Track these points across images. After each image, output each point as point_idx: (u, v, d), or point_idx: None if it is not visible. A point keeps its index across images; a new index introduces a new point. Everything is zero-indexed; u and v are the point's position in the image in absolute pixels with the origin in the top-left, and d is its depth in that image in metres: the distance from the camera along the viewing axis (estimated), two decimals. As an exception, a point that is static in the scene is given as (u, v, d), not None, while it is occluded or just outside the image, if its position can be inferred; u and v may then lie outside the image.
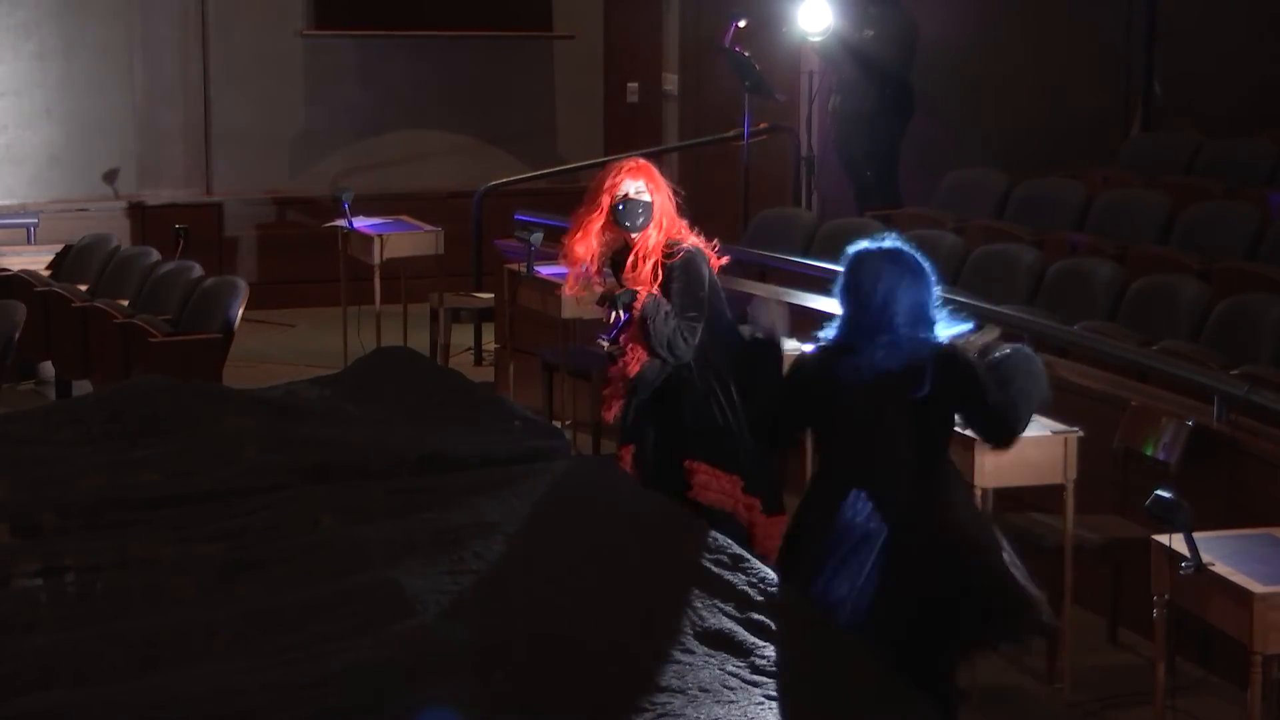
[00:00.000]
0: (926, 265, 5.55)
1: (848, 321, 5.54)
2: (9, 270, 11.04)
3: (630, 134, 13.55)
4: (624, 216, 6.77)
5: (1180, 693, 6.35)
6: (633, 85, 13.82)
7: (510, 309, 9.52)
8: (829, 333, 5.61)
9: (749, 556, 5.47)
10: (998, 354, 5.61)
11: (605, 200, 6.80)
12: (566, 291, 7.28)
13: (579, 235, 6.85)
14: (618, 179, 6.82)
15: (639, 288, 6.76)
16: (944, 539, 5.52)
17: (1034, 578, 5.62)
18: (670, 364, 6.75)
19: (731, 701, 4.74)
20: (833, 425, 5.59)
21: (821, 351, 5.61)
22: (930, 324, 5.51)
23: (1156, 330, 8.23)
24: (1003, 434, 5.67)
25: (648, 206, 6.77)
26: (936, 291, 5.56)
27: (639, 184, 6.79)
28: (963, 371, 5.49)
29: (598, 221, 6.82)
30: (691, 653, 4.89)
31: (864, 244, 5.59)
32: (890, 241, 5.59)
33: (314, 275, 12.30)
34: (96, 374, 9.86)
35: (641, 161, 6.97)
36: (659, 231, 6.80)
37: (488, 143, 13.57)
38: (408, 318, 10.67)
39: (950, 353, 5.50)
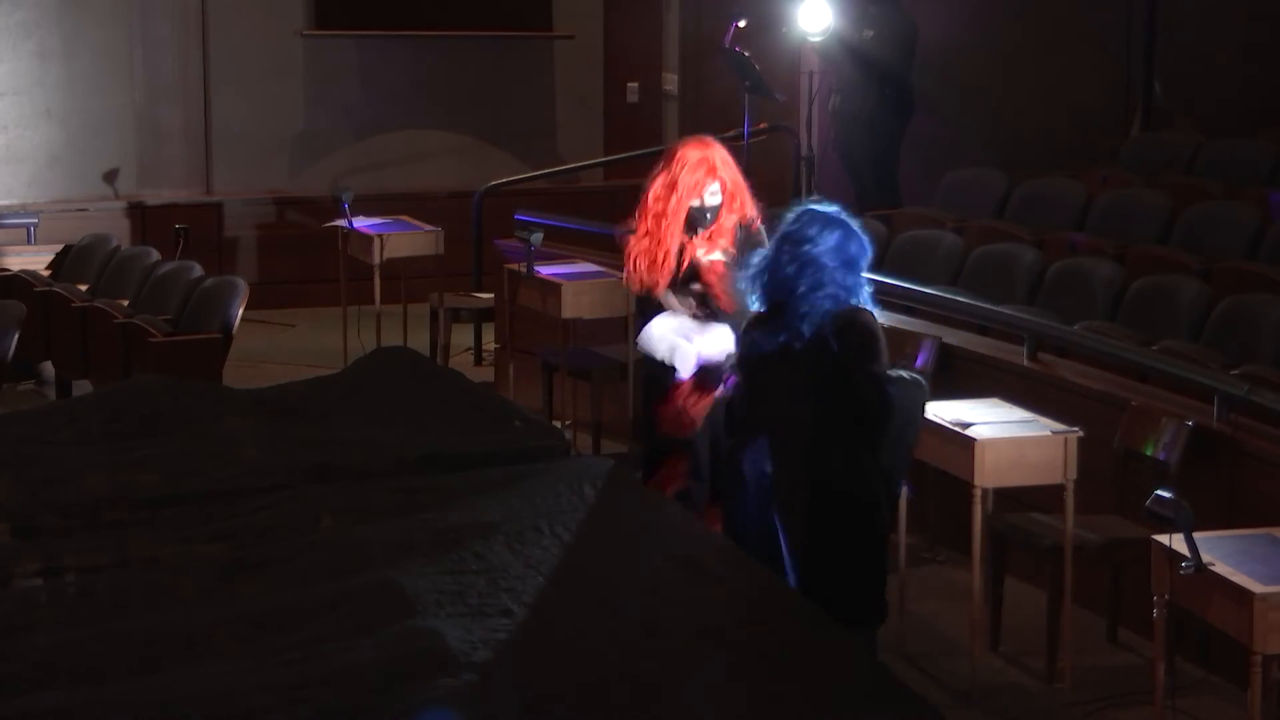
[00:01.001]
0: (856, 225, 5.80)
1: (765, 275, 5.79)
2: (9, 270, 11.04)
3: (630, 134, 13.54)
4: (698, 222, 6.79)
5: (1180, 693, 6.35)
6: (633, 85, 13.81)
7: (510, 309, 9.52)
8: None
9: (749, 556, 5.48)
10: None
11: (683, 199, 6.80)
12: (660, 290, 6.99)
13: (659, 240, 6.79)
14: (697, 178, 6.79)
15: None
16: (829, 506, 5.71)
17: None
18: None
19: (730, 699, 4.74)
20: (747, 386, 5.85)
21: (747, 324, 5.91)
22: (850, 278, 5.72)
23: (1156, 330, 8.23)
24: (870, 415, 5.74)
25: (716, 209, 6.82)
26: (863, 252, 5.76)
27: (714, 186, 6.80)
28: (858, 331, 5.67)
29: (673, 224, 6.78)
30: (692, 650, 4.89)
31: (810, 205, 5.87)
32: (831, 206, 5.86)
33: (314, 275, 12.30)
34: (96, 374, 9.86)
35: (714, 154, 6.88)
36: (730, 212, 6.86)
37: (488, 142, 13.57)
38: (408, 318, 10.67)
39: (852, 312, 5.70)
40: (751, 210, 6.92)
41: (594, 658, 4.79)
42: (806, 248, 5.74)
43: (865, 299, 5.78)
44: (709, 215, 6.85)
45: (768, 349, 5.77)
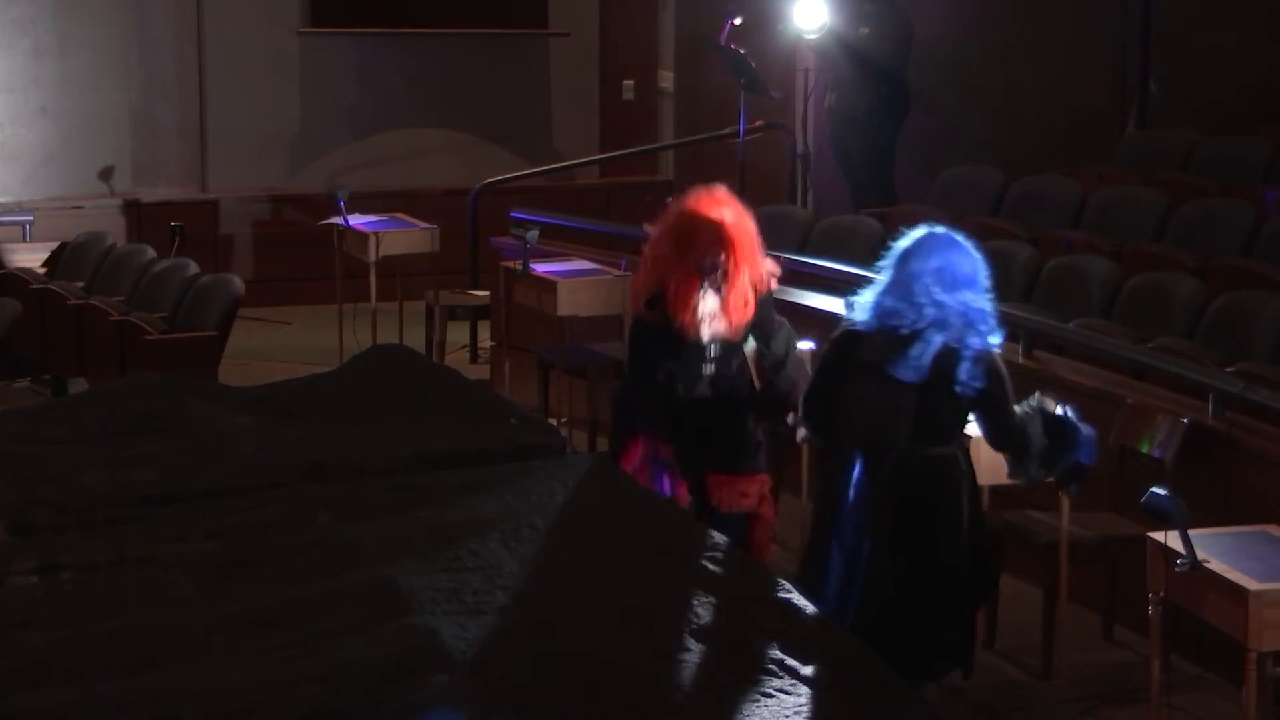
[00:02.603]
0: (970, 245, 5.97)
1: (886, 288, 5.91)
2: (4, 268, 11.03)
3: (626, 131, 13.54)
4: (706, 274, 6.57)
5: (1175, 690, 6.35)
6: (628, 83, 13.81)
7: (506, 306, 9.53)
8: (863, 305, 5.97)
9: (746, 554, 5.48)
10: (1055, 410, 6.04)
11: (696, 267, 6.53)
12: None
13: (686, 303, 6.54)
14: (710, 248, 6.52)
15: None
16: (936, 523, 5.88)
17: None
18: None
19: (729, 700, 4.74)
20: (847, 399, 5.92)
21: (850, 328, 5.99)
22: (965, 296, 5.86)
23: (1152, 327, 8.24)
24: (1009, 450, 6.03)
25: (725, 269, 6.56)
26: (981, 273, 5.93)
27: (722, 256, 6.53)
28: (994, 379, 5.87)
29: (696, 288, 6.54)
30: (688, 650, 4.90)
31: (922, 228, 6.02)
32: (942, 229, 6.04)
33: (310, 273, 12.30)
34: (92, 372, 9.86)
35: (724, 224, 6.56)
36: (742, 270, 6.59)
37: (484, 140, 13.57)
38: (403, 315, 10.67)
39: (988, 357, 5.86)
40: (761, 270, 6.65)
41: (591, 655, 4.79)
42: (914, 275, 5.86)
43: (987, 322, 5.88)
44: (720, 272, 6.57)
45: (880, 375, 5.86)
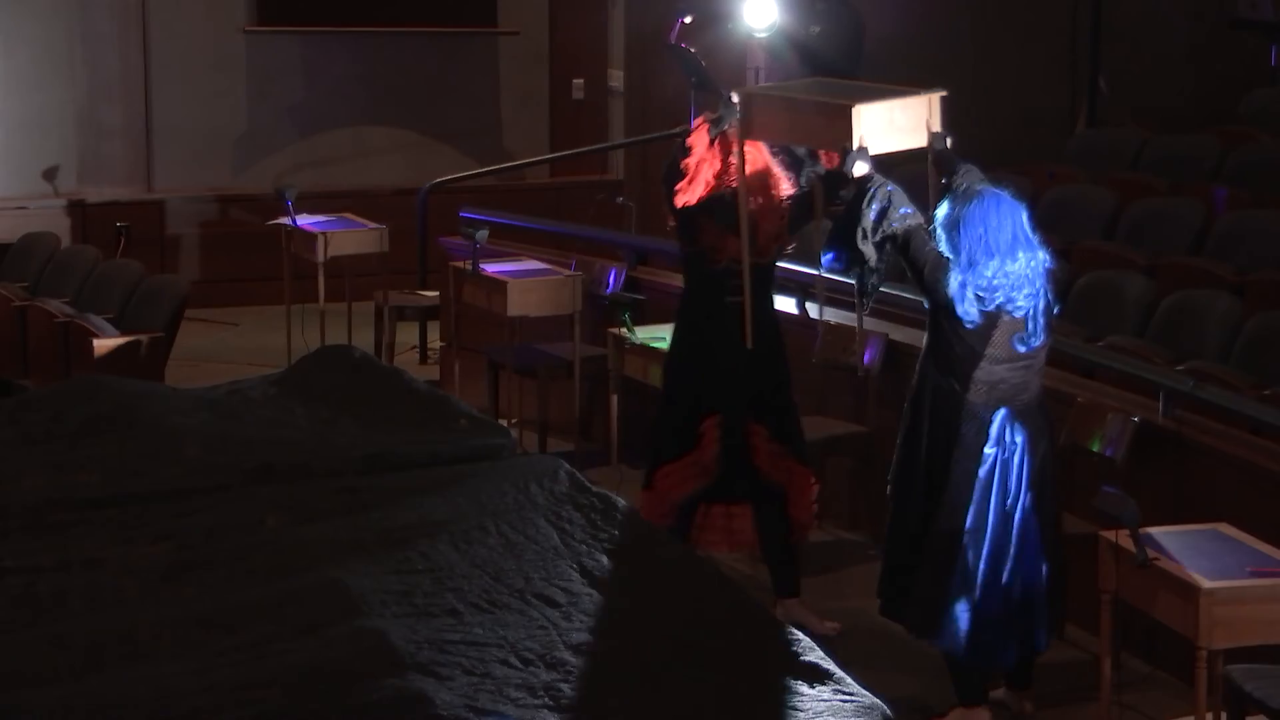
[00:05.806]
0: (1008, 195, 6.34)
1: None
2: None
3: (576, 130, 13.52)
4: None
5: (1127, 688, 6.36)
6: (578, 81, 13.79)
7: (455, 307, 9.50)
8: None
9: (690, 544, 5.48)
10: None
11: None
12: None
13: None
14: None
15: None
16: None
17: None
18: None
19: (681, 698, 4.73)
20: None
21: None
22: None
23: (1102, 326, 8.26)
24: None
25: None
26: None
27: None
28: None
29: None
30: (637, 643, 4.88)
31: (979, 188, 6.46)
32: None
33: (257, 273, 12.24)
34: (37, 374, 9.79)
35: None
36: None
37: (432, 139, 13.53)
38: (352, 316, 10.63)
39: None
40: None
41: (544, 655, 4.77)
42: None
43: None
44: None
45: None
